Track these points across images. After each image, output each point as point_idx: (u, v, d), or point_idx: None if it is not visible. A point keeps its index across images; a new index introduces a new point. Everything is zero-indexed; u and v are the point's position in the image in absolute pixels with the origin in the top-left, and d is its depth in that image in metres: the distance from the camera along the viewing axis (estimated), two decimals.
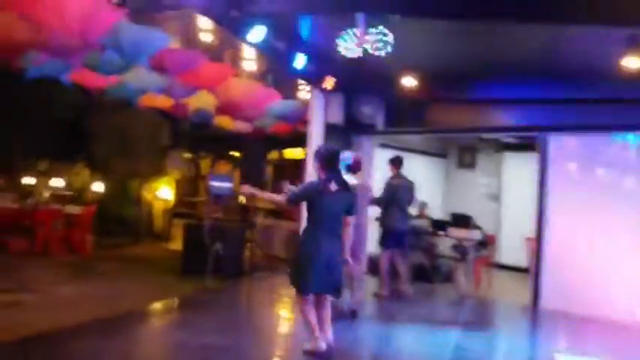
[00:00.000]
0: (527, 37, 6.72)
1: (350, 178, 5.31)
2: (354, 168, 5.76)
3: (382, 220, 7.61)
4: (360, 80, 9.13)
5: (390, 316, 6.72)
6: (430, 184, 11.98)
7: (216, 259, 7.70)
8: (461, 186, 12.46)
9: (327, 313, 4.55)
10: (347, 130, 9.65)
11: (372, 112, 9.44)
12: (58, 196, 11.40)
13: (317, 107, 8.85)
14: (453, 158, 12.70)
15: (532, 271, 7.89)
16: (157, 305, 6.36)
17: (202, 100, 7.59)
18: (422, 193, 10.55)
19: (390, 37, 5.80)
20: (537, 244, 7.78)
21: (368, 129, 9.68)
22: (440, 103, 9.55)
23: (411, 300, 7.45)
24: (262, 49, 6.66)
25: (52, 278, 7.56)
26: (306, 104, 8.74)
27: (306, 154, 9.20)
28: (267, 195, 4.61)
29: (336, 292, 4.52)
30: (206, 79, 6.44)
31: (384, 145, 10.34)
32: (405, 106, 9.32)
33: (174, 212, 13.28)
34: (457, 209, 10.70)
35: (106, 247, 10.49)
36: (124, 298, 6.67)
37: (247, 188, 4.55)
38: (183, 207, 14.94)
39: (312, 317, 4.48)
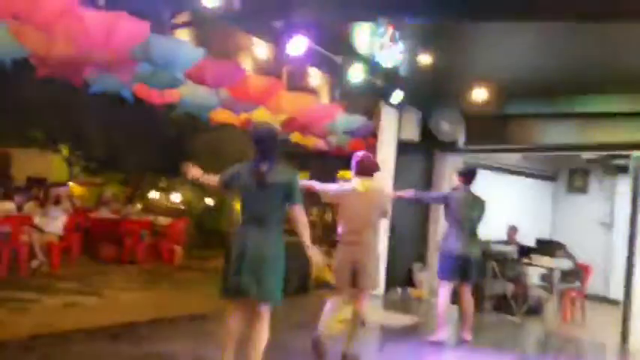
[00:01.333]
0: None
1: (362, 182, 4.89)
2: (363, 168, 4.90)
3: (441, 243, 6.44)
4: (437, 94, 8.73)
5: None
6: (531, 207, 11.10)
7: None
8: (570, 211, 11.40)
9: (260, 327, 3.79)
10: (425, 148, 9.25)
11: (452, 128, 8.94)
12: (151, 208, 12.11)
13: (387, 123, 8.56)
14: (562, 181, 11.67)
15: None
16: (198, 313, 6.40)
17: (265, 116, 7.64)
18: (519, 217, 9.80)
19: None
20: (627, 274, 6.83)
21: (449, 146, 9.19)
22: (533, 118, 8.79)
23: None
24: (310, 62, 6.62)
25: (123, 284, 7.98)
26: (374, 119, 8.50)
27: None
28: (206, 177, 4.12)
29: (267, 297, 3.75)
30: (254, 93, 6.47)
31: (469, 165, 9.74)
32: (489, 122, 8.71)
33: None
34: (564, 236, 9.79)
35: (196, 258, 10.93)
36: (182, 305, 6.86)
37: (192, 170, 4.12)
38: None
39: (229, 330, 3.80)
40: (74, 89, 6.63)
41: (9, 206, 7.84)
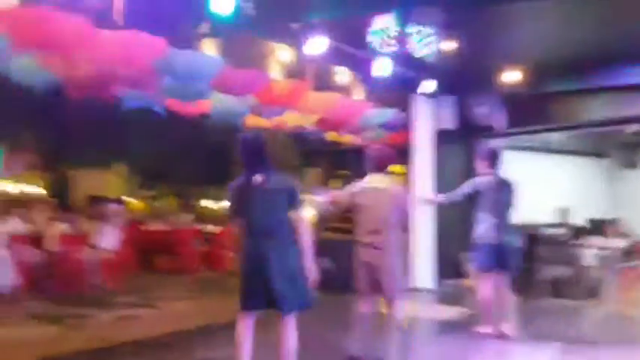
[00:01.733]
0: None
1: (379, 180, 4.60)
2: (374, 164, 4.57)
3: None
4: (472, 79, 8.54)
5: None
6: (584, 187, 10.68)
7: (324, 274, 7.68)
8: (626, 187, 10.90)
9: (291, 334, 3.78)
10: (464, 136, 9.06)
11: (489, 112, 8.72)
12: (202, 217, 12.38)
13: (422, 113, 8.44)
14: (614, 157, 11.17)
15: None
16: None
17: (297, 118, 7.71)
18: (572, 198, 9.46)
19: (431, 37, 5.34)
20: None
21: (488, 131, 8.97)
22: (572, 94, 8.47)
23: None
24: (335, 60, 6.62)
25: (177, 293, 8.20)
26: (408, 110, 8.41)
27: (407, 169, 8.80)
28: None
29: (279, 305, 3.71)
30: (280, 96, 6.53)
31: (512, 148, 9.48)
32: (526, 102, 8.44)
33: (325, 227, 13.56)
34: (623, 213, 9.41)
35: None
36: (234, 311, 6.96)
37: None
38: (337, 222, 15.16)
39: (240, 340, 3.80)
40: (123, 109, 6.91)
41: (63, 226, 8.18)
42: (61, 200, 11.89)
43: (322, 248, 7.77)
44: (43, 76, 5.43)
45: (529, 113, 8.52)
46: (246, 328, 3.82)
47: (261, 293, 3.69)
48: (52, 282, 7.81)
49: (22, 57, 4.99)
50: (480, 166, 5.82)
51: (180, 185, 16.21)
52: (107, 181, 17.99)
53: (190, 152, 14.00)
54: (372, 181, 4.58)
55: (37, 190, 17.86)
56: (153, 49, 5.04)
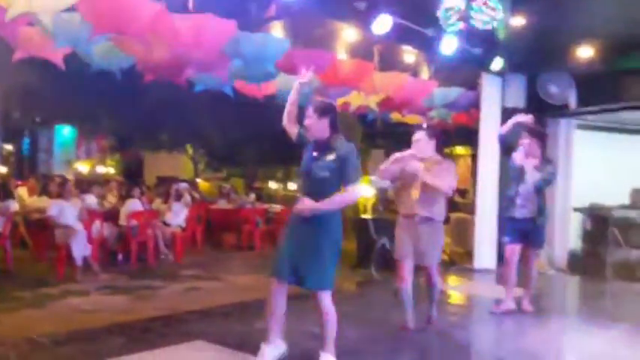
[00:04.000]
0: None
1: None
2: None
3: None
4: (541, 57, 8.28)
5: None
6: None
7: (381, 252, 7.77)
8: None
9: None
10: (533, 114, 8.80)
11: (561, 90, 8.45)
12: (266, 197, 12.65)
13: (489, 92, 8.28)
14: None
15: None
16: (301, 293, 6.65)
17: (361, 98, 7.73)
18: None
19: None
20: None
21: (559, 110, 8.70)
22: None
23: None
24: (400, 39, 6.59)
25: (241, 269, 8.51)
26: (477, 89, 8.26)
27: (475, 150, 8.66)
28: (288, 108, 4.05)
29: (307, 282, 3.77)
30: (344, 76, 6.57)
31: (585, 127, 9.17)
32: (599, 80, 8.12)
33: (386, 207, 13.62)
34: None
35: None
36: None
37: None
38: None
39: (271, 305, 3.87)
40: (193, 93, 7.16)
41: (136, 203, 8.57)
42: (133, 180, 12.42)
43: (382, 228, 7.89)
44: (119, 60, 5.71)
45: (602, 91, 8.19)
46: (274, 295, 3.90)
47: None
48: (124, 255, 8.27)
49: (100, 42, 5.24)
50: (526, 143, 5.57)
51: (246, 167, 16.60)
52: (177, 162, 18.63)
53: (257, 135, 14.30)
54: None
55: (110, 170, 18.76)
56: (223, 33, 5.19)
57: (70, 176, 13.33)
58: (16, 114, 14.16)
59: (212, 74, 6.34)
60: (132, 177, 14.91)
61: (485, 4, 6.48)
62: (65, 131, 17.22)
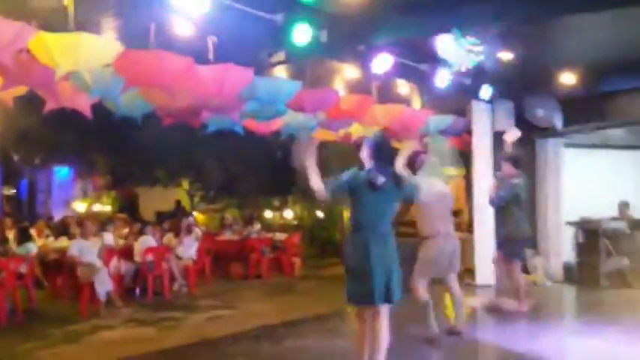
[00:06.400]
0: None
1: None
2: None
3: (510, 227, 6.78)
4: (527, 83, 8.86)
5: None
6: None
7: None
8: None
9: (384, 325, 4.12)
10: (522, 137, 9.35)
11: (547, 112, 9.03)
12: (268, 227, 13.00)
13: (480, 117, 8.83)
14: None
15: None
16: (321, 314, 7.16)
17: (362, 129, 8.21)
18: (631, 192, 9.57)
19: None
20: None
21: (547, 131, 9.27)
22: (629, 92, 8.69)
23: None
24: (396, 74, 7.11)
25: (252, 297, 8.89)
26: (467, 116, 8.81)
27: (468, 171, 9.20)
28: (313, 176, 4.01)
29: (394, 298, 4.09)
30: (347, 111, 7.06)
31: (571, 146, 9.73)
32: (583, 102, 8.73)
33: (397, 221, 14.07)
34: None
35: (312, 267, 11.69)
36: (306, 309, 7.61)
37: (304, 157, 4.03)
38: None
39: (363, 331, 4.17)
40: (190, 128, 7.57)
41: (150, 240, 8.92)
42: (130, 216, 12.70)
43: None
44: (142, 107, 6.15)
45: (586, 112, 8.80)
46: (366, 322, 4.19)
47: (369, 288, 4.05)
48: (142, 290, 8.59)
49: (127, 92, 5.67)
50: (508, 167, 6.84)
51: (243, 197, 16.94)
52: (173, 196, 18.88)
53: (253, 166, 14.71)
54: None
55: (106, 208, 18.93)
56: (243, 80, 5.64)
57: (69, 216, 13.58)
58: (16, 157, 14.43)
59: (226, 116, 6.79)
60: (128, 213, 15.15)
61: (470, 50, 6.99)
62: (62, 172, 17.46)
